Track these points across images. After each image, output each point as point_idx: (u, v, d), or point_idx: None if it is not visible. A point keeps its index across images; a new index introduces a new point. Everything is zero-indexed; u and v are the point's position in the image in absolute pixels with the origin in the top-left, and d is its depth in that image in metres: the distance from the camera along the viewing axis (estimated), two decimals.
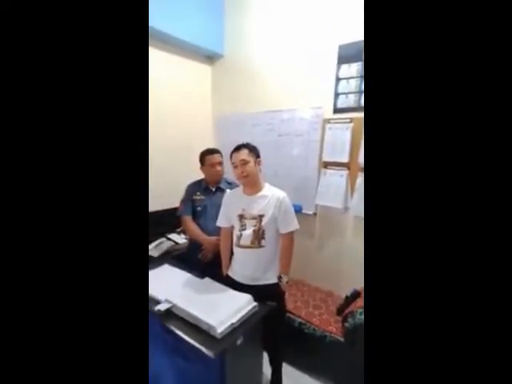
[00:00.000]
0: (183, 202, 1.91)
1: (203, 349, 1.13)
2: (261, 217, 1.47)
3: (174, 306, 1.31)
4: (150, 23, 2.04)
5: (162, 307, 1.30)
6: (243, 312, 1.28)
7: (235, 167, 1.46)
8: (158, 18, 2.07)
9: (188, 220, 1.87)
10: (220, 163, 1.84)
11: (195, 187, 1.90)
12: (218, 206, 1.65)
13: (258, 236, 1.48)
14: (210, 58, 2.75)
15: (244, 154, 1.45)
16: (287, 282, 1.54)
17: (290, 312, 1.89)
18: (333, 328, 1.76)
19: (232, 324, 1.20)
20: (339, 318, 1.80)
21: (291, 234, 1.52)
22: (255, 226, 1.48)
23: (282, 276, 1.52)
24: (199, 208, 1.86)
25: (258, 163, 1.49)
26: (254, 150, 1.49)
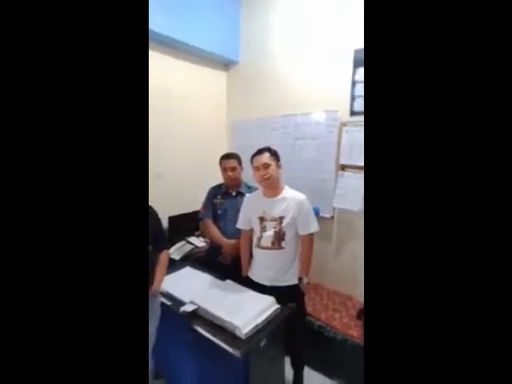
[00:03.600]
0: (204, 205, 1.95)
1: (229, 348, 1.14)
2: (281, 218, 1.49)
3: (198, 307, 1.33)
4: (169, 33, 2.12)
5: (187, 308, 1.33)
6: (267, 313, 1.30)
7: (257, 170, 1.49)
8: (174, 27, 2.15)
9: (209, 223, 1.90)
10: (233, 168, 1.83)
11: (216, 191, 1.94)
12: (238, 210, 1.69)
13: (279, 237, 1.50)
14: (226, 64, 2.81)
15: (266, 157, 1.48)
16: (307, 284, 1.55)
17: (310, 315, 1.88)
18: (354, 332, 1.74)
19: (256, 325, 1.22)
20: (360, 322, 1.78)
21: (311, 235, 1.54)
22: (276, 227, 1.50)
23: (302, 277, 1.53)
24: (219, 211, 1.89)
25: (278, 166, 1.52)
26: (275, 154, 1.52)
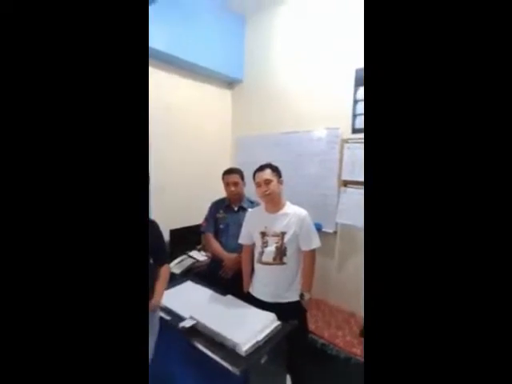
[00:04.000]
0: (206, 219, 1.97)
1: (228, 366, 1.13)
2: (283, 234, 1.50)
3: (198, 322, 1.32)
4: (174, 52, 2.20)
5: (186, 324, 1.32)
6: (268, 330, 1.28)
7: (259, 186, 1.51)
8: (180, 47, 2.23)
9: (210, 237, 1.91)
10: (235, 183, 1.85)
11: (218, 205, 1.95)
12: (240, 225, 1.69)
13: (280, 253, 1.50)
14: (230, 83, 2.89)
15: (267, 173, 1.50)
16: (309, 300, 1.53)
17: (312, 332, 1.85)
18: (357, 350, 1.71)
19: (257, 342, 1.20)
20: (363, 340, 1.75)
21: (313, 251, 1.53)
22: (277, 242, 1.50)
23: (304, 294, 1.52)
24: (221, 226, 1.90)
25: (280, 182, 1.54)
26: (276, 170, 1.55)
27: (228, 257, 1.81)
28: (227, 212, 1.91)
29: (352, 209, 2.10)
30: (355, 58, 2.08)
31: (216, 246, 1.88)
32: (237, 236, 1.71)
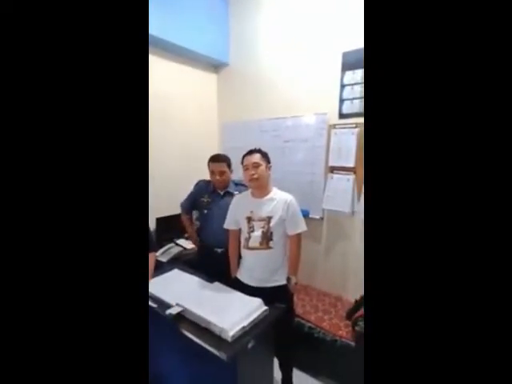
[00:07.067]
0: (189, 195, 2.02)
1: (215, 351, 1.13)
2: (269, 218, 1.49)
3: (184, 309, 1.31)
4: (157, 34, 2.10)
5: (172, 311, 1.31)
6: (254, 315, 1.28)
7: (247, 169, 1.50)
8: (164, 29, 2.14)
9: (182, 212, 2.04)
10: (221, 172, 1.80)
11: (203, 188, 1.93)
12: (226, 210, 1.67)
13: (266, 237, 1.50)
14: (216, 66, 2.81)
15: (256, 157, 1.49)
16: (296, 284, 1.55)
17: (300, 316, 1.88)
18: (343, 332, 1.75)
19: (243, 327, 1.21)
20: (349, 323, 1.79)
21: (299, 235, 1.54)
22: (263, 227, 1.49)
23: (291, 277, 1.53)
24: (206, 210, 1.87)
25: (268, 168, 1.52)
26: (265, 156, 1.54)
27: (193, 237, 2.06)
28: (212, 197, 1.88)
29: (338, 195, 2.11)
30: (342, 41, 2.04)
31: (185, 220, 2.04)
32: (221, 221, 1.68)
